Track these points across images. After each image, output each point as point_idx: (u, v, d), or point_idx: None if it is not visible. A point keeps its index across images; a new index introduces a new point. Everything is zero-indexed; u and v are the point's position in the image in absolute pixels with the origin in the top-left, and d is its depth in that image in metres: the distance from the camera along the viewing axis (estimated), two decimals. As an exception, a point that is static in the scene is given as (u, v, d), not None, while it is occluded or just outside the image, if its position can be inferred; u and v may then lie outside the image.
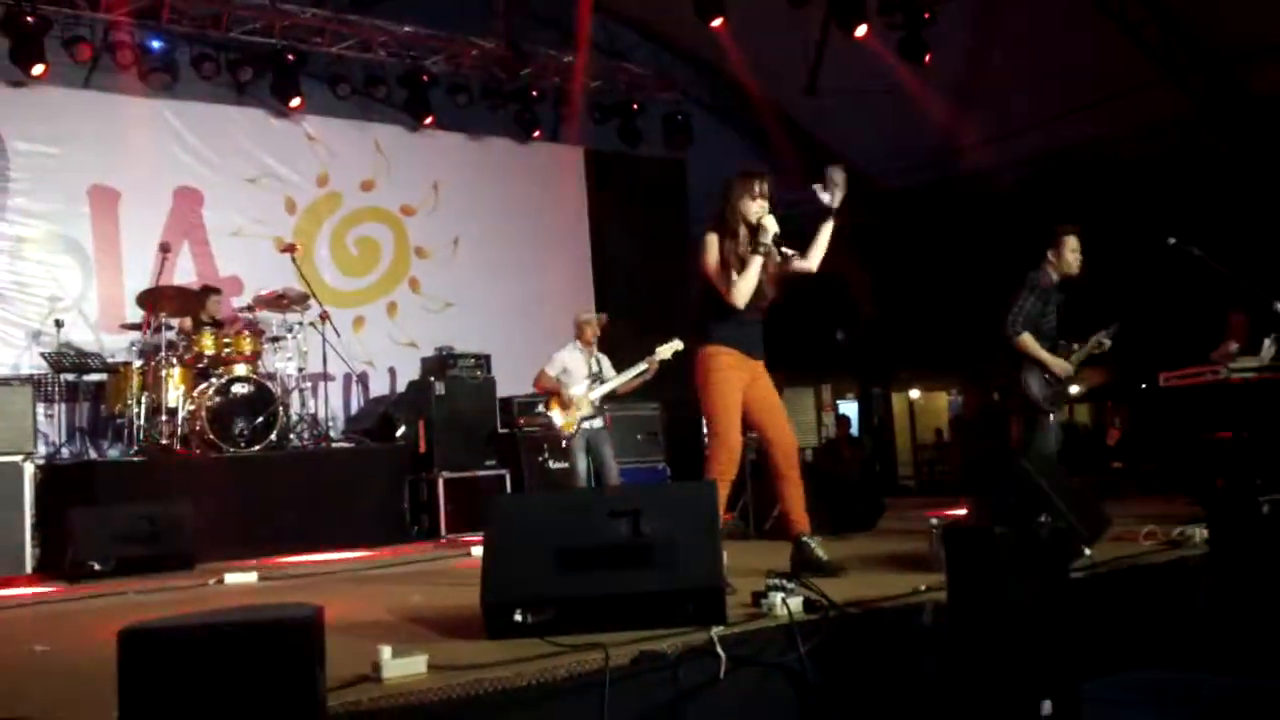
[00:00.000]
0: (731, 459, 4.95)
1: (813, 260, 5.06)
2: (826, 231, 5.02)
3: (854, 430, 15.42)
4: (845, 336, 13.92)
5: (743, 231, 4.97)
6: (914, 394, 17.68)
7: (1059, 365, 6.50)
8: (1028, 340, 6.42)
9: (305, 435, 9.14)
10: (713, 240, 4.97)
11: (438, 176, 11.62)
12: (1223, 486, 7.00)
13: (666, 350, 7.76)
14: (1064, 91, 10.86)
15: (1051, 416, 6.53)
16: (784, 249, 4.95)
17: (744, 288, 4.91)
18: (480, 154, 11.91)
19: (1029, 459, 5.92)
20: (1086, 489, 5.97)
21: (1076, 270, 6.48)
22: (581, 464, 7.88)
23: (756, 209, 4.93)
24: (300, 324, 9.27)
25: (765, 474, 6.41)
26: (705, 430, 5.10)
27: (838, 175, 4.92)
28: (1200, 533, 5.26)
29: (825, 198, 4.91)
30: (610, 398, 8.11)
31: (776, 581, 3.94)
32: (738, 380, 4.97)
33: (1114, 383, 13.31)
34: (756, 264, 4.91)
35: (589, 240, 12.52)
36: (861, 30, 10.32)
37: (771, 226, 4.89)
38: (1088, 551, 4.85)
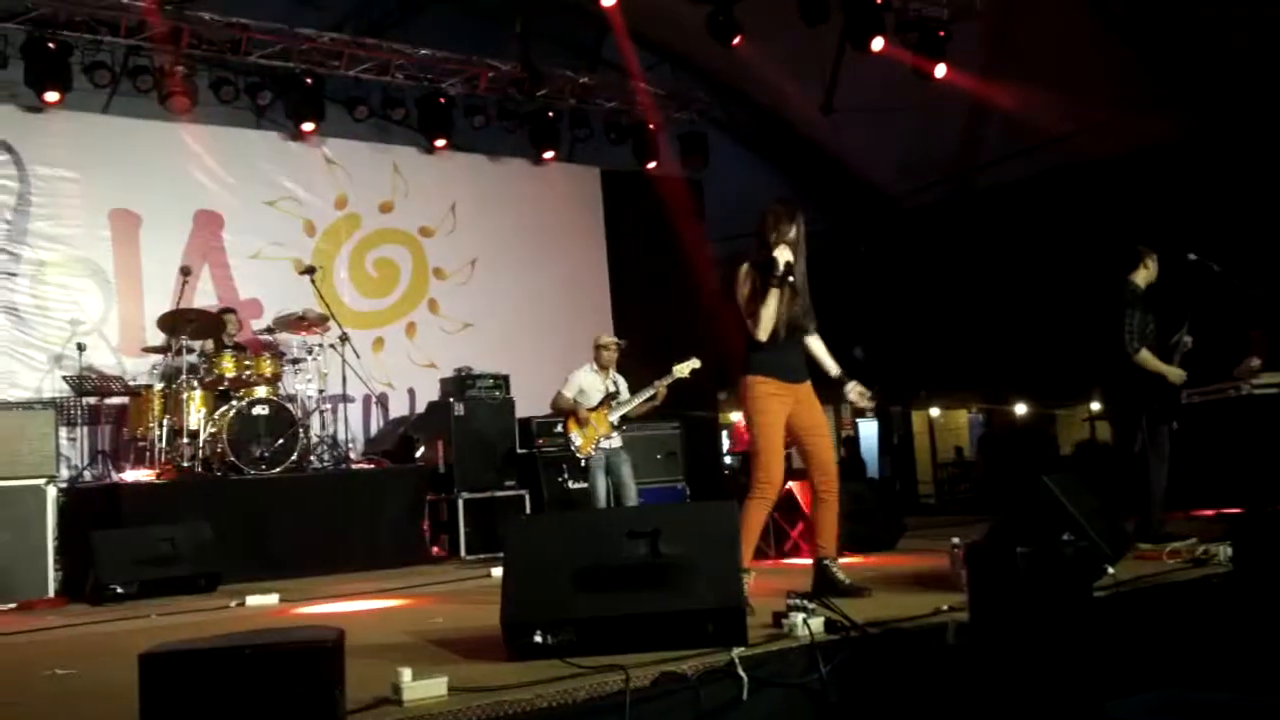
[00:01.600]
0: (771, 480, 4.99)
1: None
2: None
3: (870, 452, 15.37)
4: (864, 354, 13.87)
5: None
6: (934, 412, 17.60)
7: (1176, 374, 6.62)
8: (1147, 356, 6.54)
9: (325, 457, 9.16)
10: (743, 273, 5.06)
11: (455, 198, 11.67)
12: (1247, 503, 6.97)
13: (684, 368, 7.77)
14: (1079, 108, 10.84)
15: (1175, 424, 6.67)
16: (790, 278, 4.96)
17: (765, 322, 4.97)
18: (497, 175, 11.97)
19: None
20: (1108, 506, 5.95)
21: (1155, 278, 6.72)
22: (601, 484, 7.91)
23: (775, 241, 4.99)
24: (320, 346, 9.30)
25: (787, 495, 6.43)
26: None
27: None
28: (1224, 550, 5.22)
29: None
30: (628, 418, 8.12)
31: (797, 602, 3.95)
32: (778, 408, 5.03)
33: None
34: (772, 297, 4.96)
35: (606, 260, 12.54)
36: (878, 45, 10.29)
37: (780, 258, 4.94)
38: (1111, 570, 4.82)
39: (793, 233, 5.01)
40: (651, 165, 12.50)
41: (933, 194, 13.37)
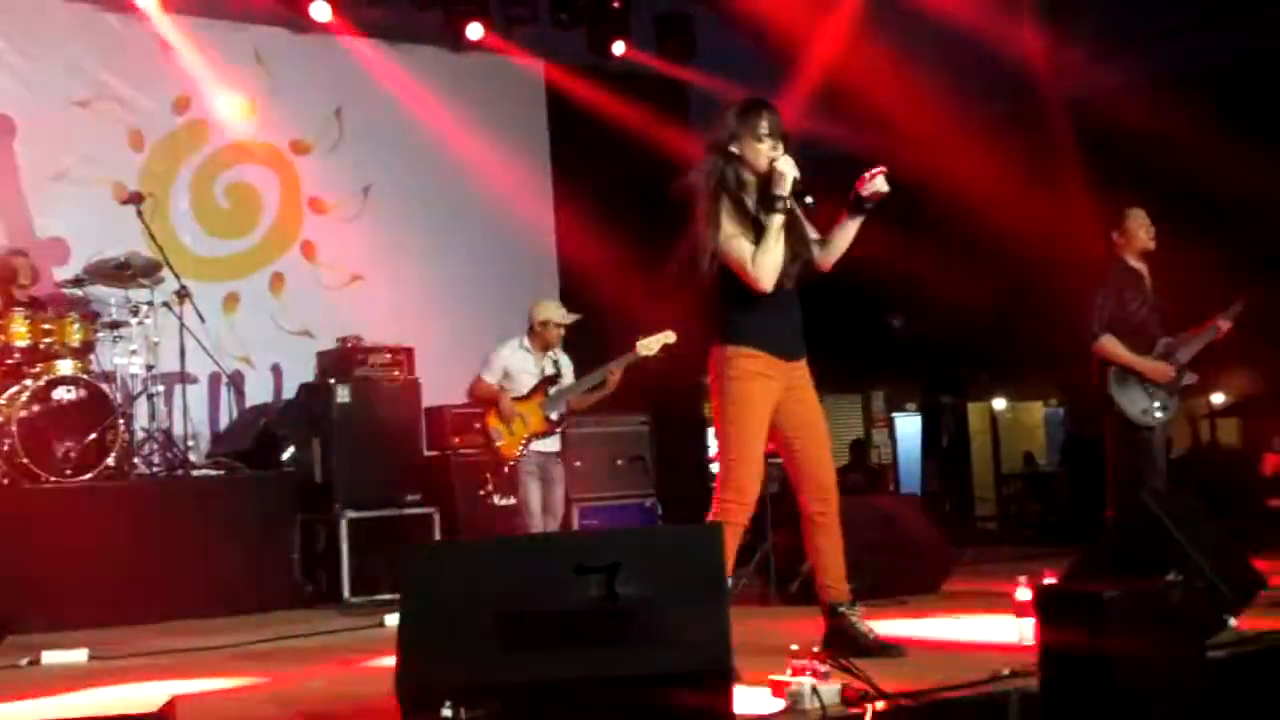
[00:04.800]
0: (741, 497, 4.99)
1: (829, 257, 5.21)
2: (852, 230, 5.17)
3: (910, 458, 15.48)
4: (903, 324, 13.93)
5: (751, 185, 5.03)
6: (998, 404, 17.73)
7: (1153, 368, 7.08)
8: (1109, 343, 7.08)
9: (156, 459, 9.12)
10: (706, 199, 5.01)
11: (342, 100, 11.62)
12: None
13: (653, 344, 7.78)
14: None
15: (1156, 434, 7.10)
16: (808, 199, 4.97)
17: (767, 261, 4.93)
18: (401, 69, 11.86)
19: (1143, 493, 6.06)
20: (1232, 536, 6.02)
21: (1152, 245, 7.29)
22: (535, 499, 7.96)
23: (766, 151, 4.97)
24: (149, 304, 9.23)
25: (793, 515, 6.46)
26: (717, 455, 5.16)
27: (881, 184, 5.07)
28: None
29: (871, 189, 5.04)
30: (570, 410, 8.15)
31: (804, 663, 3.98)
32: (764, 393, 5.03)
33: (1273, 389, 13.35)
34: (776, 226, 4.93)
35: (550, 189, 12.55)
36: None
37: (789, 171, 4.92)
38: (1233, 622, 4.88)
39: (777, 142, 4.97)
40: (617, 54, 12.46)
41: (998, 105, 13.41)
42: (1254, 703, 4.53)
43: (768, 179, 4.97)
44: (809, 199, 4.98)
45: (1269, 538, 9.03)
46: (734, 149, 5.02)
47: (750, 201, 5.04)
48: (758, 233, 4.96)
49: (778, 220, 4.92)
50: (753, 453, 5.01)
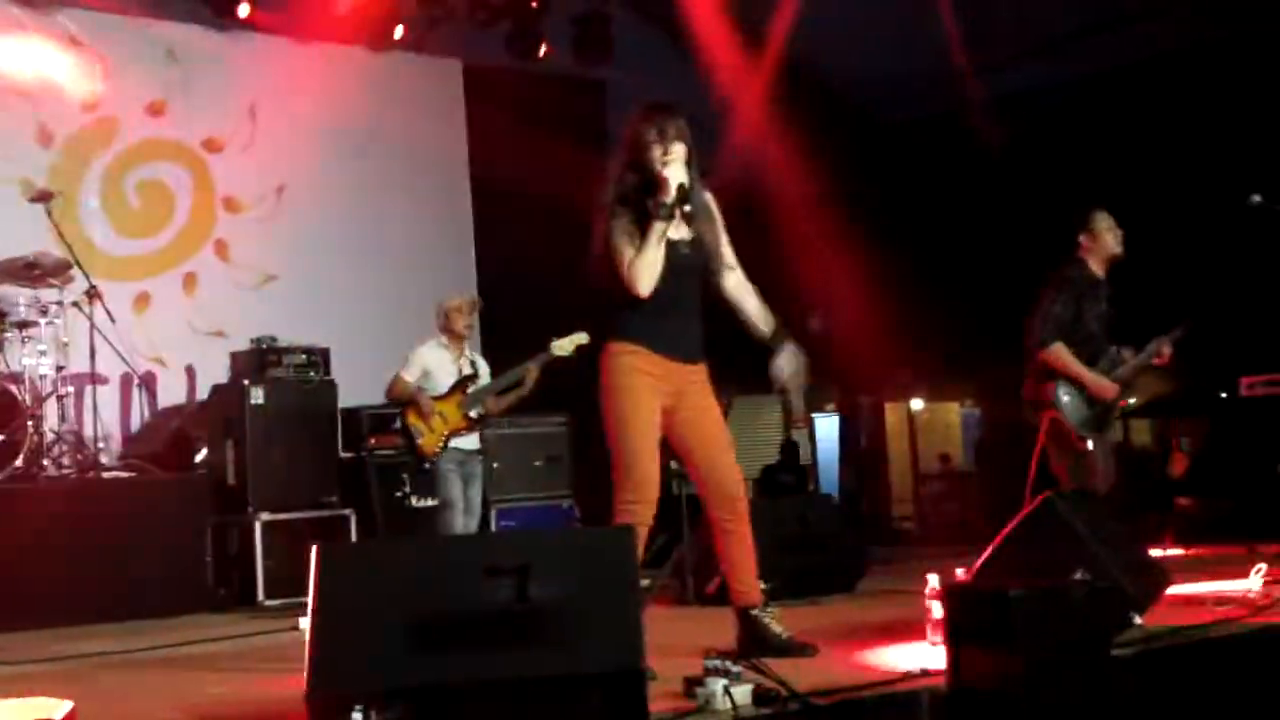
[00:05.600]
0: (641, 495, 4.97)
1: (730, 285, 5.29)
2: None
3: (827, 459, 15.55)
4: (822, 324, 14.00)
5: (646, 189, 5.04)
6: (915, 404, 17.84)
7: (1098, 385, 7.00)
8: (1059, 352, 6.96)
9: (66, 461, 9.03)
10: (606, 207, 5.06)
11: (255, 98, 11.53)
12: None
13: (567, 344, 7.85)
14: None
15: (1091, 444, 7.03)
16: (685, 206, 4.97)
17: (642, 264, 4.93)
18: (316, 66, 11.77)
19: (1062, 495, 6.12)
20: (1138, 535, 6.12)
21: (1120, 250, 7.13)
22: (457, 494, 8.02)
23: (659, 157, 4.98)
24: (58, 304, 9.14)
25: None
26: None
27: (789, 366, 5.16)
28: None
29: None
30: (489, 411, 8.17)
31: (717, 664, 4.01)
32: (648, 389, 5.03)
33: (1181, 391, 13.55)
34: (656, 232, 4.93)
35: (469, 190, 12.54)
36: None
37: (674, 177, 4.93)
38: (1138, 620, 4.96)
39: (679, 146, 5.00)
40: (538, 57, 12.45)
41: (921, 106, 13.50)
42: (1160, 700, 4.60)
43: (656, 184, 4.97)
44: (686, 207, 4.98)
45: (1177, 536, 9.19)
46: (632, 153, 5.06)
47: (648, 205, 5.00)
48: (640, 237, 4.96)
49: (658, 227, 4.92)
50: (645, 448, 4.99)
